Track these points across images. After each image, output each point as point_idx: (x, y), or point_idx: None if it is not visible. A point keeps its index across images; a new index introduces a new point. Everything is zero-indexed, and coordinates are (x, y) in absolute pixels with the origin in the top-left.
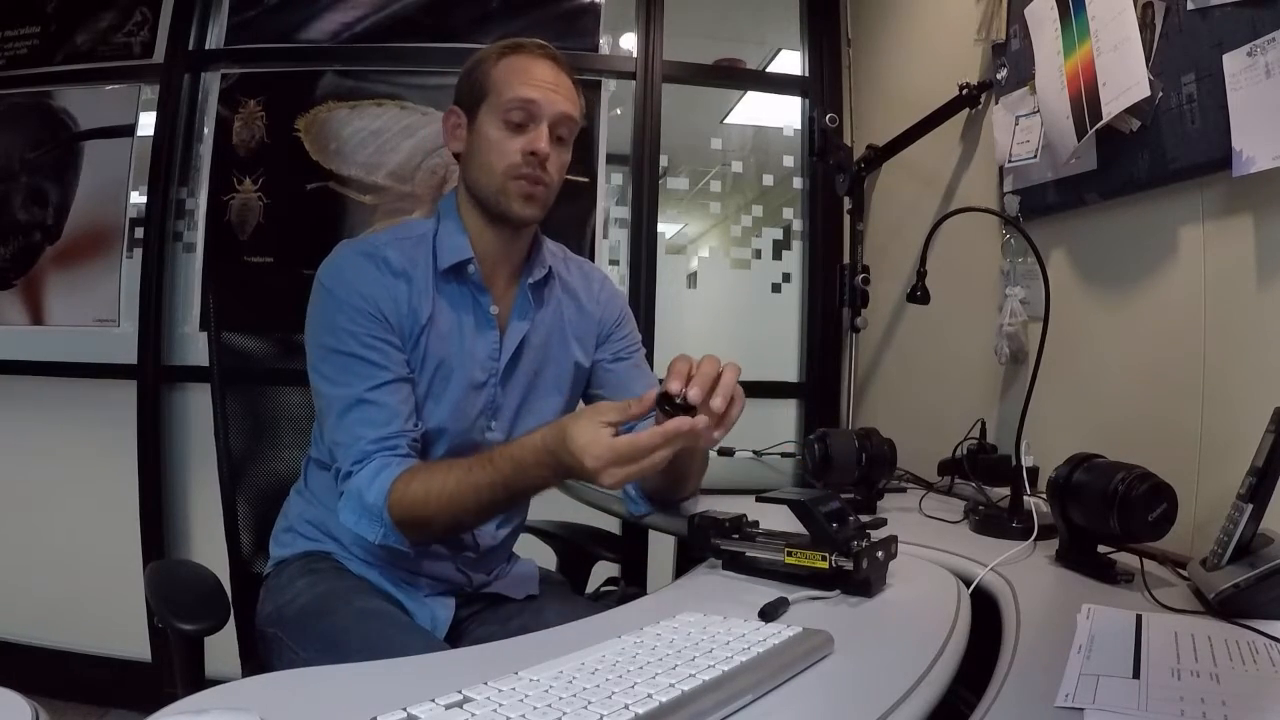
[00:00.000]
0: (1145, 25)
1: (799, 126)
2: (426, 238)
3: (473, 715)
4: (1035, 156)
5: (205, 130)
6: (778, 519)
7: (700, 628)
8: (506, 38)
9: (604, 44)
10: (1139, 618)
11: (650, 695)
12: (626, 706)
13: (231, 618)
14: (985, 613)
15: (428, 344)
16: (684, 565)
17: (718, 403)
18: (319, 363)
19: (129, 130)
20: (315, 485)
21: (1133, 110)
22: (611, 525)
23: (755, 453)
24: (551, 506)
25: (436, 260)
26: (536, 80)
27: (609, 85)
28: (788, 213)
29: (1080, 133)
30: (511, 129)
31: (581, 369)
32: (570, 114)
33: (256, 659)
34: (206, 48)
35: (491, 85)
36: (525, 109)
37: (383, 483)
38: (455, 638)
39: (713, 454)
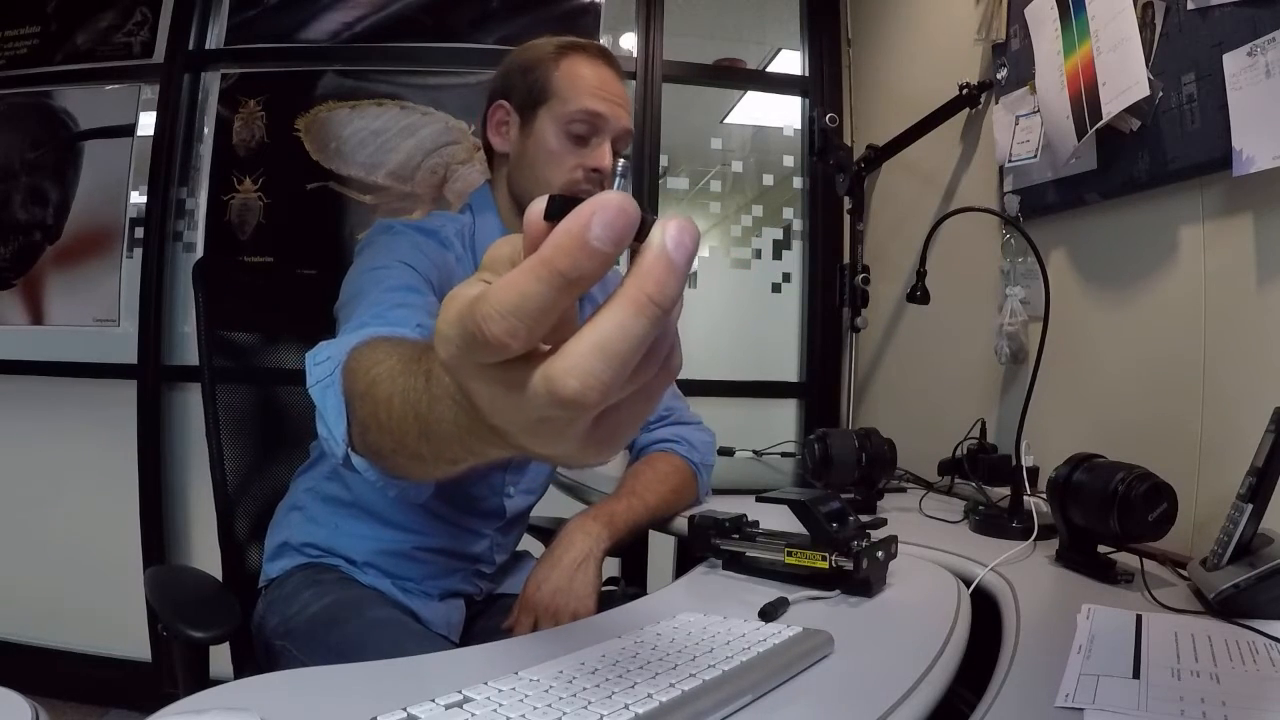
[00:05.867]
0: (1145, 25)
1: (799, 126)
2: (464, 233)
3: (473, 715)
4: (1035, 156)
5: (205, 130)
6: (778, 519)
7: (700, 628)
8: (506, 38)
9: (604, 44)
10: (1139, 618)
11: (650, 695)
12: (626, 706)
13: None
14: (985, 613)
15: None
16: (684, 565)
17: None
18: (357, 286)
19: (129, 130)
20: (319, 506)
21: (1133, 110)
22: None
23: (755, 453)
24: (553, 506)
25: (476, 258)
26: (604, 93)
27: None
28: (788, 213)
29: (1080, 132)
30: (573, 141)
31: None
32: (631, 130)
33: (257, 668)
34: (206, 48)
35: (554, 89)
36: (591, 123)
37: (360, 336)
38: (460, 634)
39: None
